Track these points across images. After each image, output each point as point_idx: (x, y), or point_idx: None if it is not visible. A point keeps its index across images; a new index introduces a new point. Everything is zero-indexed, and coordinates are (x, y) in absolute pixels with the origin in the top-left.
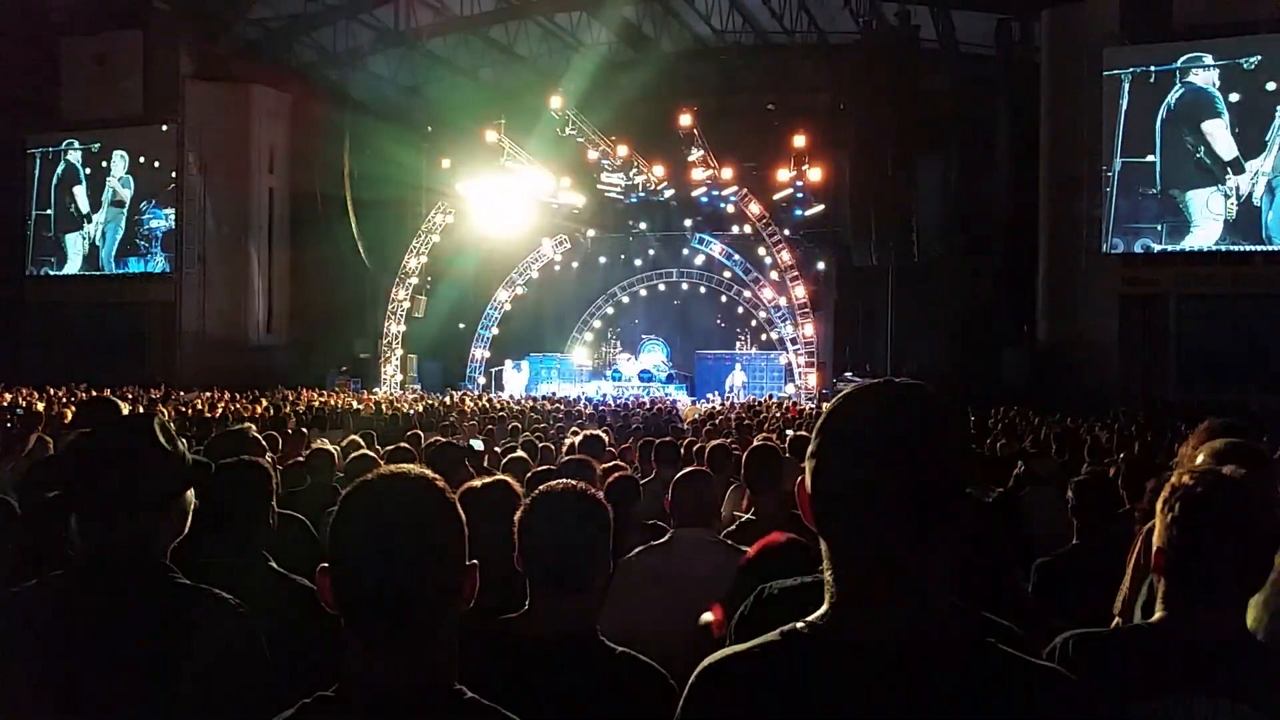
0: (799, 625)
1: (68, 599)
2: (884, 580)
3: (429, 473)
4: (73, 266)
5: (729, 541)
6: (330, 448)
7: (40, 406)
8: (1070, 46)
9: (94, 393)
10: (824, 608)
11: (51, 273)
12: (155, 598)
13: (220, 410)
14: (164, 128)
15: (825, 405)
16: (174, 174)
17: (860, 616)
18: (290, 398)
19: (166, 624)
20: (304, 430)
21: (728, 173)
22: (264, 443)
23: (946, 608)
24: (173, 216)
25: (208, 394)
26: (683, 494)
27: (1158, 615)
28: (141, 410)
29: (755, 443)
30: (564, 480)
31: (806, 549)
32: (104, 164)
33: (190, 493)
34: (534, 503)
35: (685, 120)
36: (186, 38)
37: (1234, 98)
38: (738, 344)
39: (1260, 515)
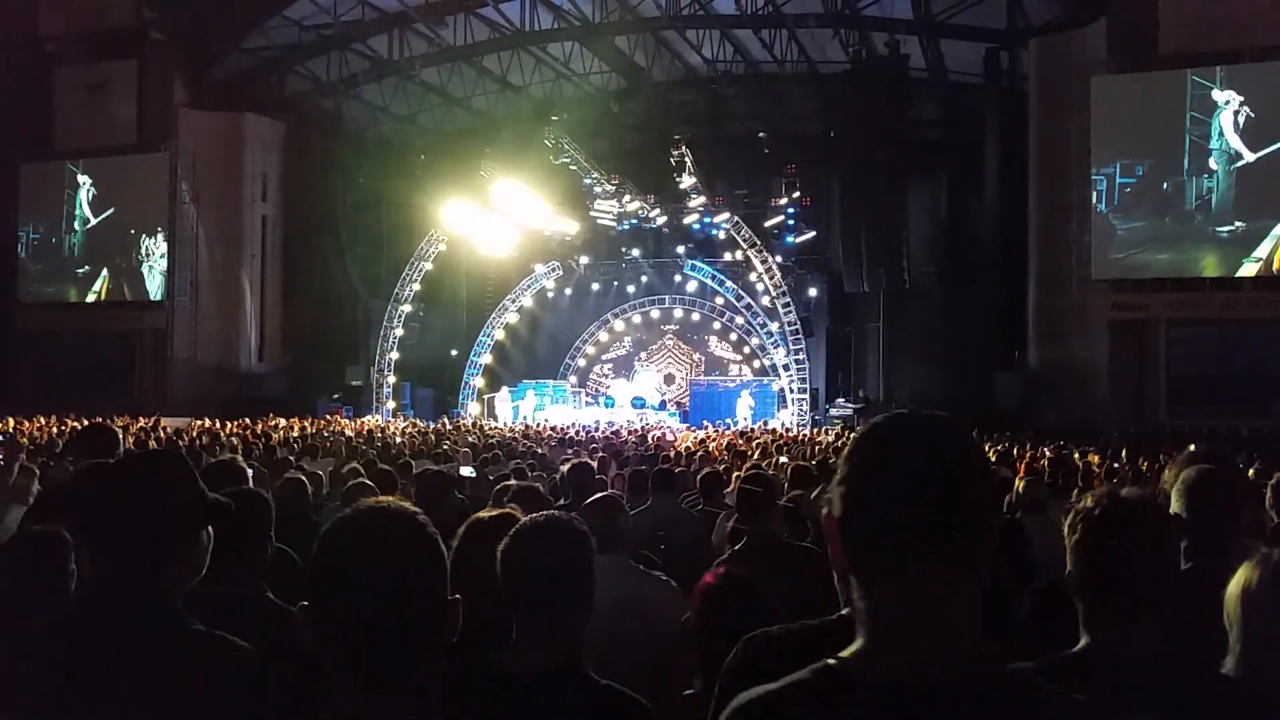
0: (830, 661)
1: (74, 641)
2: (917, 613)
3: (409, 506)
4: (64, 294)
5: (640, 567)
6: (304, 477)
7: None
8: (1058, 75)
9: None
10: (857, 643)
11: (43, 300)
12: (163, 641)
13: (208, 439)
14: (158, 156)
15: (852, 434)
16: (168, 202)
17: (894, 651)
18: (280, 425)
19: (173, 670)
20: (290, 459)
21: (719, 200)
22: (250, 472)
23: (976, 640)
24: (166, 244)
25: (198, 422)
26: (591, 519)
27: (1082, 642)
28: (160, 443)
29: (745, 471)
30: (546, 512)
31: (749, 587)
32: (97, 192)
33: (207, 532)
34: (515, 536)
35: (677, 149)
36: (181, 67)
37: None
38: (731, 369)
39: (1160, 532)
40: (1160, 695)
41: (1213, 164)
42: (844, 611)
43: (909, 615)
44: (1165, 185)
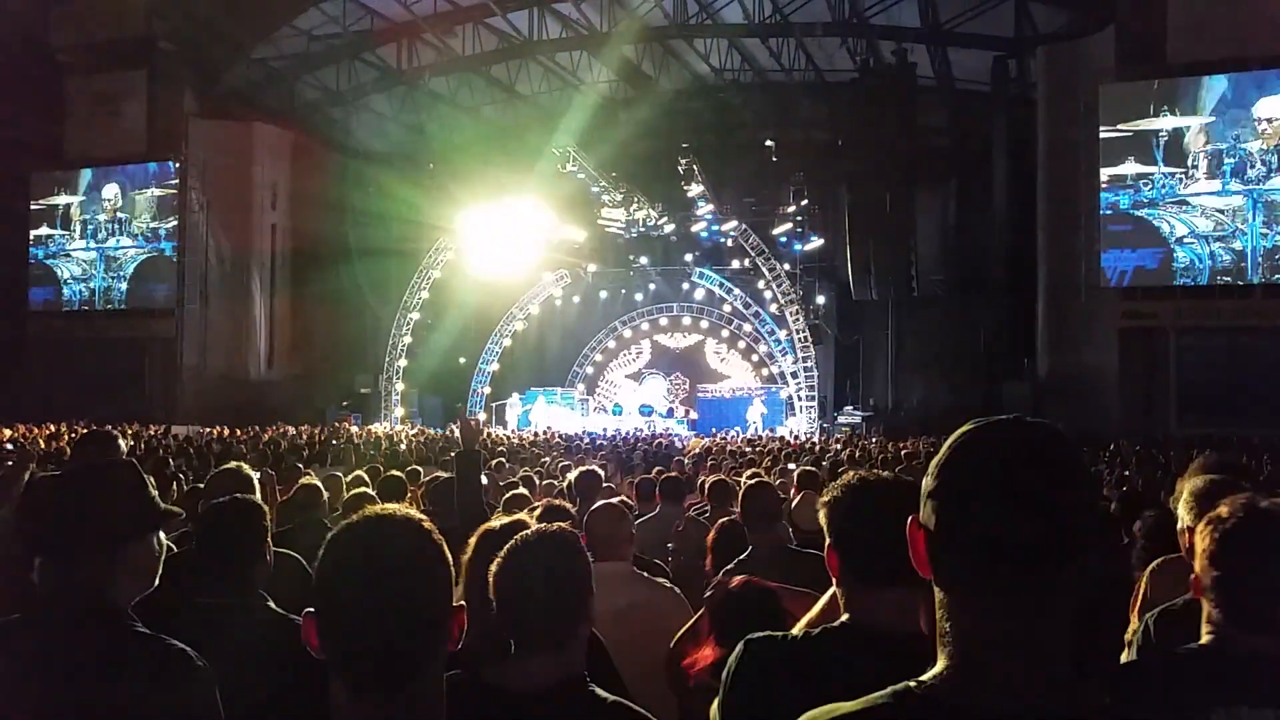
0: (911, 685)
1: (17, 644)
2: (1008, 637)
3: (415, 513)
4: (74, 302)
5: (644, 574)
6: (318, 482)
7: (41, 442)
8: (1066, 83)
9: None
10: (940, 665)
11: (52, 309)
12: (106, 645)
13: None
14: (167, 165)
15: (949, 441)
16: (177, 211)
17: (983, 677)
18: (289, 433)
19: (115, 674)
20: (298, 466)
21: (727, 208)
22: (257, 480)
23: (1069, 667)
24: (175, 253)
25: (207, 430)
26: (596, 527)
27: (1205, 639)
28: (122, 454)
29: (750, 480)
30: (538, 526)
31: (768, 594)
32: (107, 202)
33: (158, 538)
34: (507, 553)
35: (685, 157)
36: (190, 77)
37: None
38: (739, 377)
39: None
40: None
41: (1221, 172)
42: (844, 619)
43: (1000, 639)
44: (1173, 192)
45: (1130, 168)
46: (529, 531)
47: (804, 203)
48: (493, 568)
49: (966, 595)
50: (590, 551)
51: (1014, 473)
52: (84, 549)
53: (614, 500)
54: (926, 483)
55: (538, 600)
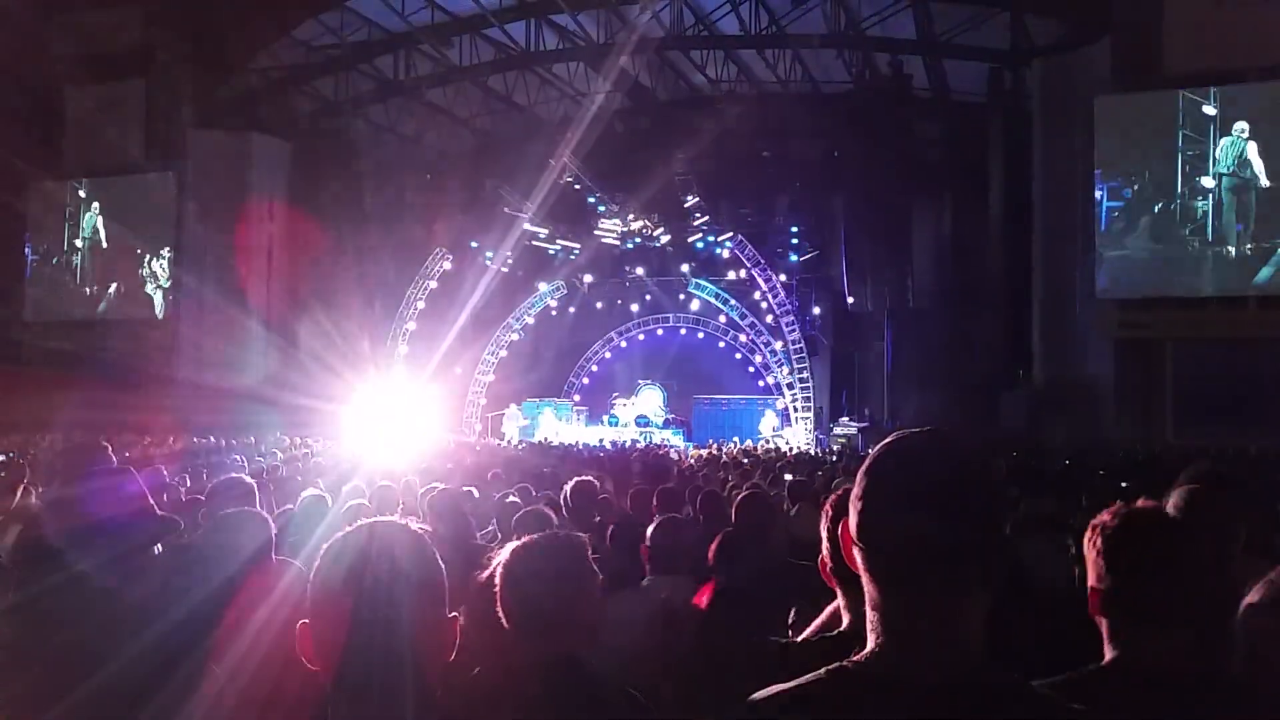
0: (845, 663)
1: None
2: (928, 622)
3: (410, 524)
4: (71, 313)
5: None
6: (319, 493)
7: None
8: (1062, 94)
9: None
10: (870, 646)
11: (50, 319)
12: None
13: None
14: (165, 175)
15: (873, 451)
16: (175, 220)
17: (906, 656)
18: (287, 443)
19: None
20: (297, 477)
21: (723, 219)
22: (258, 490)
23: (982, 653)
24: (172, 263)
25: (201, 439)
26: (657, 540)
27: (1108, 656)
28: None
29: (744, 492)
30: (547, 532)
31: (747, 597)
32: (106, 211)
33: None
34: (512, 556)
35: (680, 168)
36: (189, 87)
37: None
38: (736, 388)
39: (1186, 542)
40: (1193, 710)
41: (1216, 183)
42: (842, 628)
43: (919, 626)
44: (1170, 204)
45: (1126, 179)
46: (536, 536)
47: (799, 214)
48: (502, 566)
49: (888, 589)
50: (651, 564)
51: (923, 479)
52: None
53: (673, 515)
54: (855, 489)
55: (536, 596)
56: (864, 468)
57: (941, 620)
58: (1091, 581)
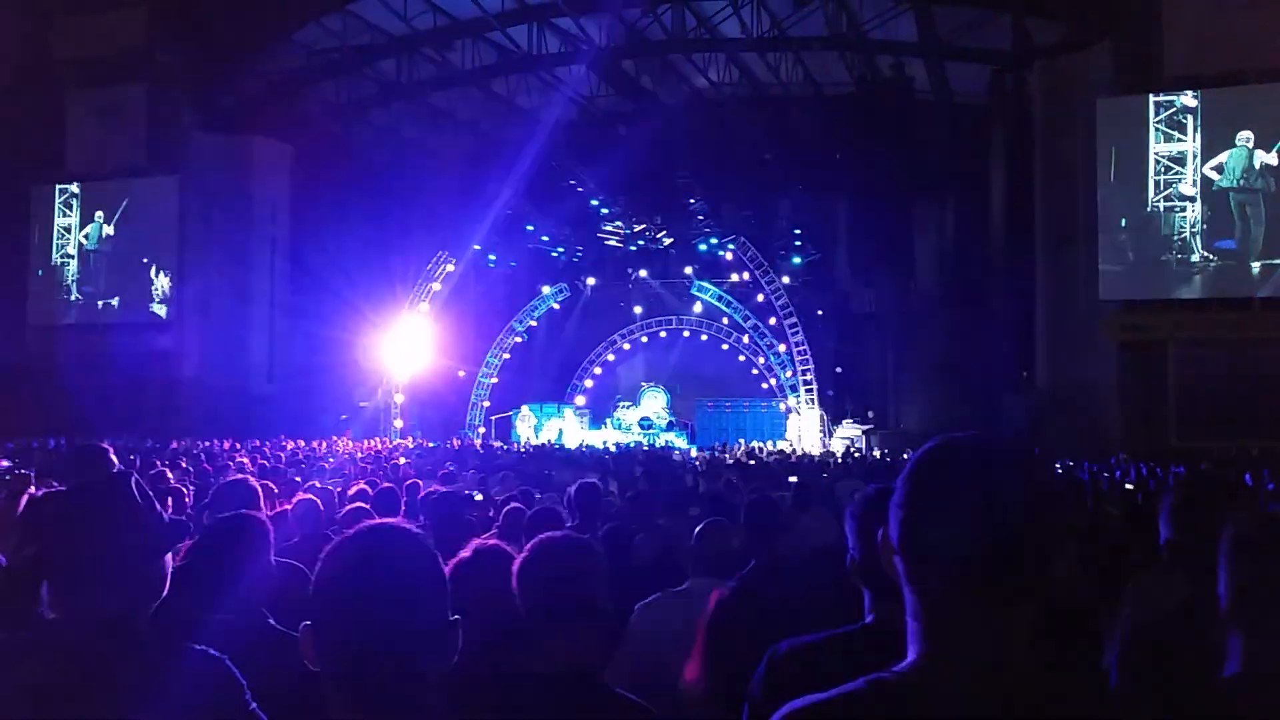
0: (886, 674)
1: (38, 663)
2: (973, 635)
3: (411, 526)
4: (73, 317)
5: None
6: (315, 497)
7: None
8: (1064, 97)
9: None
10: (910, 657)
11: (52, 324)
12: (138, 659)
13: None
14: (168, 179)
15: (912, 454)
16: (177, 224)
17: (950, 669)
18: (289, 446)
19: (150, 683)
20: (298, 479)
21: (726, 221)
22: (261, 493)
23: (1034, 664)
24: (175, 266)
25: (206, 443)
26: (702, 546)
27: (1231, 665)
28: (117, 469)
29: (752, 496)
30: (561, 532)
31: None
32: (108, 215)
33: (169, 555)
34: (530, 552)
35: (683, 170)
36: (191, 91)
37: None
38: (739, 390)
39: None
40: None
41: (1222, 190)
42: (867, 621)
43: (963, 638)
44: (1171, 207)
45: (1127, 180)
46: (550, 535)
47: (802, 216)
48: (515, 565)
49: (932, 600)
50: (699, 565)
51: (971, 488)
52: (115, 571)
53: (719, 519)
54: (897, 496)
55: (549, 595)
56: (905, 473)
57: (987, 633)
58: (1226, 591)
